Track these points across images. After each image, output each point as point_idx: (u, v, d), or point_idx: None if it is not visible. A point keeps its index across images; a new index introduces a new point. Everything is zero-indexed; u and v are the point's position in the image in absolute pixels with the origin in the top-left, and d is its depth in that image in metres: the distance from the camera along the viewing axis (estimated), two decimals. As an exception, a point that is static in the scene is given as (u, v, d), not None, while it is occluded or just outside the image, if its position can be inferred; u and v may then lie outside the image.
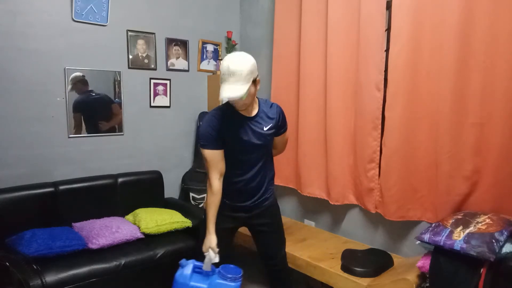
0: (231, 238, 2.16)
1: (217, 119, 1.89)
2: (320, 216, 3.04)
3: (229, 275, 1.78)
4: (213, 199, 1.93)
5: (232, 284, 1.77)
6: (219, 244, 1.88)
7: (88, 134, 2.95)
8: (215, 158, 1.90)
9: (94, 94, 2.95)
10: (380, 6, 2.41)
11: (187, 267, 1.79)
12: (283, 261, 2.24)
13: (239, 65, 1.72)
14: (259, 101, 1.99)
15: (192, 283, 1.76)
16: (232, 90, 1.71)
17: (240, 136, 1.90)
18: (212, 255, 1.85)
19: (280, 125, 2.05)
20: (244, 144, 1.92)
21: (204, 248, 1.89)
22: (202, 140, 1.91)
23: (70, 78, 2.81)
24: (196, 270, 1.82)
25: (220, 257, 1.85)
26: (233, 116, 1.91)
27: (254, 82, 1.81)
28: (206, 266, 1.83)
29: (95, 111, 2.98)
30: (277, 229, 2.20)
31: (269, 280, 2.31)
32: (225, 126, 1.89)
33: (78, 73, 2.85)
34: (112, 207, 2.89)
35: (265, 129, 1.95)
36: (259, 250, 2.21)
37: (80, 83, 2.87)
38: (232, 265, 1.86)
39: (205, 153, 1.91)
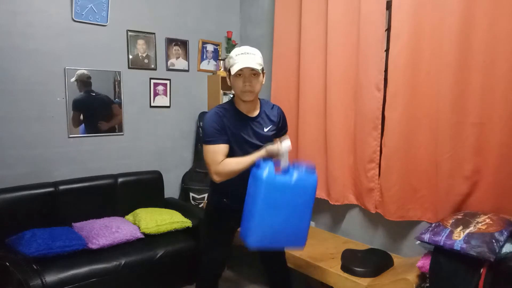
0: (231, 238, 2.15)
1: (220, 116, 1.88)
2: (320, 216, 3.04)
3: (305, 169, 1.78)
4: (231, 161, 1.83)
5: (311, 176, 1.78)
6: (219, 244, 1.84)
7: (88, 134, 2.95)
8: (220, 152, 1.83)
9: (94, 94, 2.95)
10: (380, 6, 2.41)
11: (270, 167, 1.73)
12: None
13: (253, 49, 1.86)
14: (260, 101, 1.99)
15: (278, 181, 1.72)
16: (250, 61, 1.78)
17: (241, 135, 1.90)
18: (283, 155, 1.78)
19: (281, 127, 2.05)
20: (244, 144, 1.91)
21: (276, 154, 1.80)
22: (207, 136, 1.84)
23: (75, 74, 2.83)
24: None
25: (220, 257, 1.81)
26: (235, 115, 1.90)
27: (262, 72, 1.88)
28: (283, 163, 1.79)
29: (95, 111, 2.98)
30: (277, 229, 2.19)
31: (269, 280, 2.30)
32: (227, 124, 1.88)
33: (84, 71, 2.87)
34: (112, 207, 2.90)
35: (265, 130, 1.95)
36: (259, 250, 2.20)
37: (84, 81, 2.88)
38: (302, 163, 1.84)
39: (210, 149, 1.83)
